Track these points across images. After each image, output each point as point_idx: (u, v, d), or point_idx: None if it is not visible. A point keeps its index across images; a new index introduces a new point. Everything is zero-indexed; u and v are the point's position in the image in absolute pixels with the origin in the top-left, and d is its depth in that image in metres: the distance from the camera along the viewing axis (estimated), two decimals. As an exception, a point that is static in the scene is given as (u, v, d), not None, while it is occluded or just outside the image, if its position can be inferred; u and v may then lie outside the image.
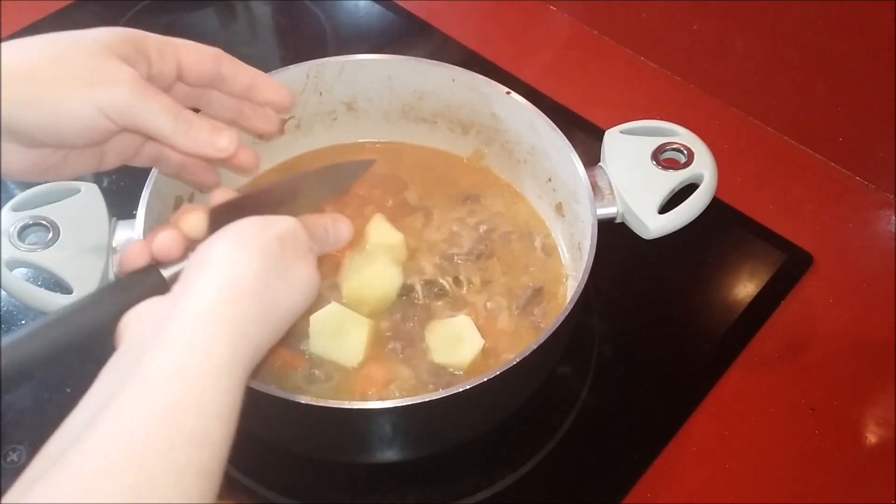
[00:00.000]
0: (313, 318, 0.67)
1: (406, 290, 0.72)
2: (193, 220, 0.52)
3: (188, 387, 0.40)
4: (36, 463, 0.39)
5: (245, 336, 0.44)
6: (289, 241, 0.49)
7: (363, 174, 0.65)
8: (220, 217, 0.51)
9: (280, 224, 0.49)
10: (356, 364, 0.67)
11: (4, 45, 0.49)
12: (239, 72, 0.59)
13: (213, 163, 0.61)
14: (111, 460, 0.37)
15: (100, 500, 0.35)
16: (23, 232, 0.65)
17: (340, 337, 0.67)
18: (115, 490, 0.36)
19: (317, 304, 0.69)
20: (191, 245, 0.51)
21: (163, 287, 0.50)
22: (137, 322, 0.46)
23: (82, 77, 0.49)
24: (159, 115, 0.51)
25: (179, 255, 0.51)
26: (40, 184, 0.68)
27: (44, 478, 0.36)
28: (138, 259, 0.51)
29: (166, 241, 0.51)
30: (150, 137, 0.56)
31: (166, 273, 0.51)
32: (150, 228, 0.63)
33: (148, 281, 0.50)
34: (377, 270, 0.71)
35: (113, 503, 0.35)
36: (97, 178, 0.85)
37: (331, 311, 0.68)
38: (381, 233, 0.75)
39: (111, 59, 0.51)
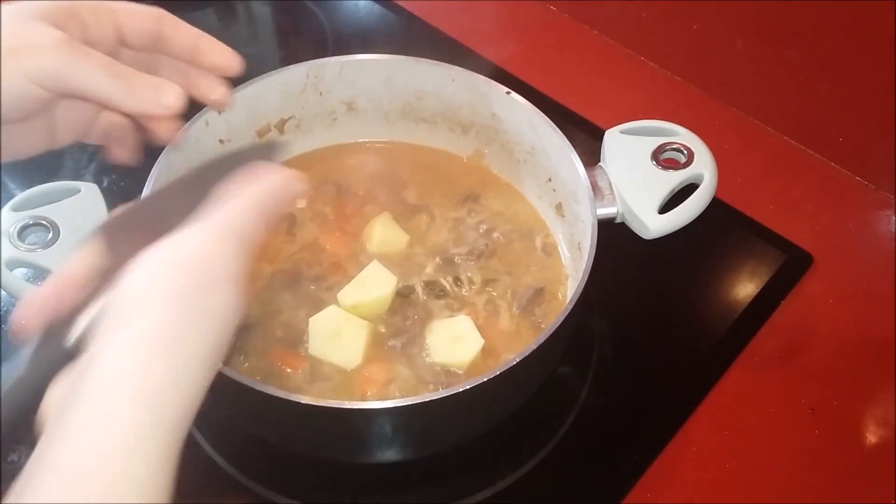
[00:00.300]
0: (312, 320, 0.67)
1: (407, 291, 0.72)
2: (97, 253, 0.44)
3: (93, 482, 0.34)
4: None
5: (164, 403, 0.37)
6: (203, 268, 0.40)
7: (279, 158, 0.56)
8: (119, 233, 0.44)
9: (188, 247, 0.41)
10: (355, 366, 0.67)
11: None
12: (181, 31, 0.55)
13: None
14: None
15: None
16: (23, 232, 0.65)
17: (339, 339, 0.67)
18: None
19: (315, 307, 0.69)
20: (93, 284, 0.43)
21: (74, 352, 0.41)
22: (50, 408, 0.39)
23: (6, 47, 0.47)
24: (94, 74, 0.48)
25: (77, 303, 0.43)
26: (40, 184, 0.68)
27: None
28: (36, 320, 0.43)
29: (58, 290, 0.43)
30: (90, 101, 0.52)
31: (74, 332, 0.42)
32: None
33: (51, 355, 0.41)
34: (370, 275, 0.70)
35: None
36: (97, 178, 0.85)
37: (329, 313, 0.68)
38: (388, 232, 0.75)
39: (38, 25, 0.48)
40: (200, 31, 0.57)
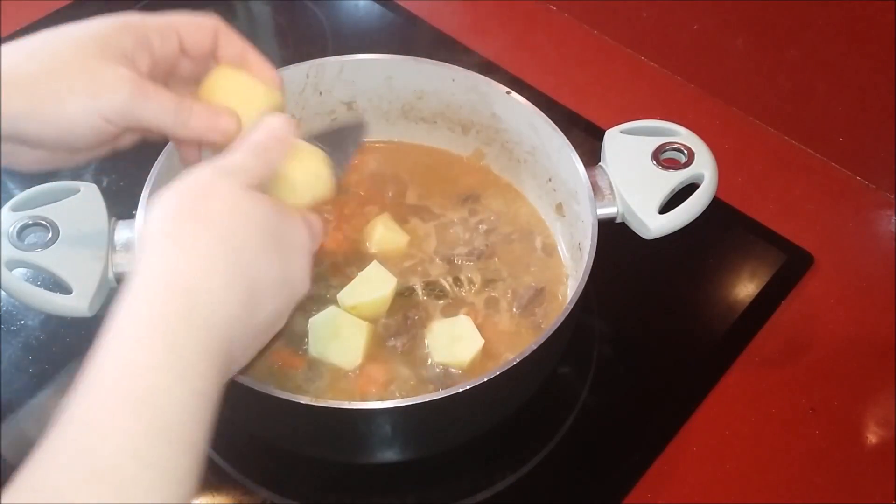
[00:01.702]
0: (311, 321, 0.67)
1: (407, 292, 0.72)
2: None
3: (119, 353, 0.40)
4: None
5: (170, 291, 0.43)
6: (198, 187, 0.48)
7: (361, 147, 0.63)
8: None
9: (187, 177, 0.48)
10: (355, 366, 0.67)
11: (4, 48, 0.50)
12: (231, 41, 0.58)
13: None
14: (62, 438, 0.38)
15: (57, 477, 0.36)
16: (22, 232, 0.65)
17: (339, 340, 0.67)
18: (70, 465, 0.36)
19: (314, 308, 0.69)
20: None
21: None
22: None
23: (81, 86, 0.50)
24: (159, 112, 0.52)
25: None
26: (40, 183, 0.68)
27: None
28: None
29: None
30: (154, 133, 0.56)
31: None
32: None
33: None
34: (370, 276, 0.70)
35: (67, 478, 0.36)
36: (97, 177, 0.85)
37: (329, 314, 0.68)
38: (388, 232, 0.75)
39: (110, 62, 0.51)
40: (248, 44, 0.59)
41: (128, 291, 0.43)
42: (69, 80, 0.50)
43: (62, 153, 0.54)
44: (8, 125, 0.49)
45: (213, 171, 0.49)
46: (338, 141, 0.63)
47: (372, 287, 0.70)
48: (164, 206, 0.47)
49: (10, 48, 0.50)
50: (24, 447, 0.38)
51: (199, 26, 0.57)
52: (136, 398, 0.39)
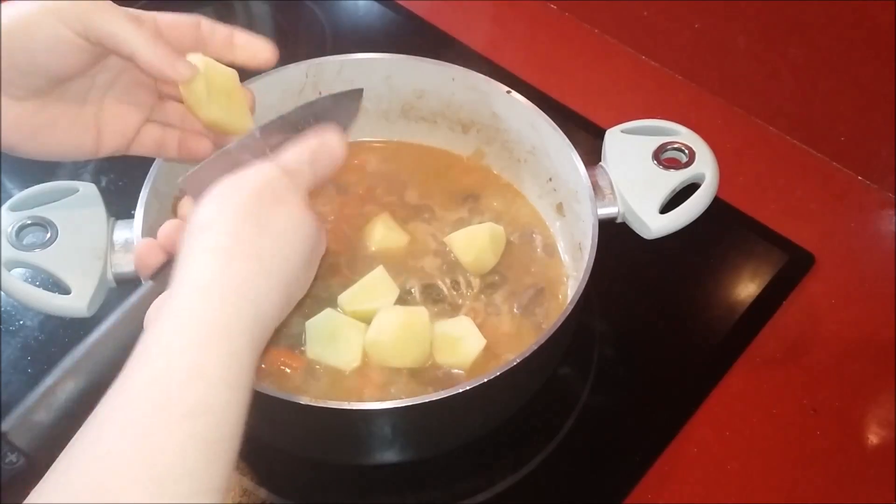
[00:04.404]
0: (309, 323, 0.67)
1: (404, 294, 0.72)
2: (191, 203, 0.52)
3: (183, 358, 0.40)
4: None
5: (242, 299, 0.43)
6: (266, 191, 0.48)
7: (355, 113, 0.64)
8: (202, 183, 0.51)
9: (253, 176, 0.49)
10: (354, 367, 0.67)
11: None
12: (217, 31, 0.59)
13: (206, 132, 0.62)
14: (109, 439, 0.37)
15: (103, 478, 0.36)
16: (21, 232, 0.65)
17: (336, 342, 0.67)
18: (119, 469, 0.36)
19: (315, 308, 0.69)
20: None
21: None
22: (154, 311, 0.47)
23: (51, 4, 0.52)
24: (123, 24, 0.53)
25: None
26: (38, 183, 0.68)
27: (54, 465, 0.37)
28: (152, 259, 0.52)
29: (170, 232, 0.52)
30: (121, 53, 0.55)
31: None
32: (149, 228, 0.63)
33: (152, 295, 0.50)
34: (374, 282, 0.70)
35: (117, 482, 0.36)
36: (95, 177, 0.85)
37: (325, 317, 0.67)
38: (388, 232, 0.75)
39: None
40: (233, 28, 0.60)
41: (181, 287, 0.44)
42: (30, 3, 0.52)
43: (44, 111, 0.55)
44: None
45: (277, 171, 0.49)
46: (335, 110, 0.62)
47: (374, 295, 0.69)
48: (225, 201, 0.47)
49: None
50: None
51: (179, 23, 0.58)
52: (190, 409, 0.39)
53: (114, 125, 0.59)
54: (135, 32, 0.53)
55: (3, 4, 0.52)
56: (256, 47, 0.60)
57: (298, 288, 0.49)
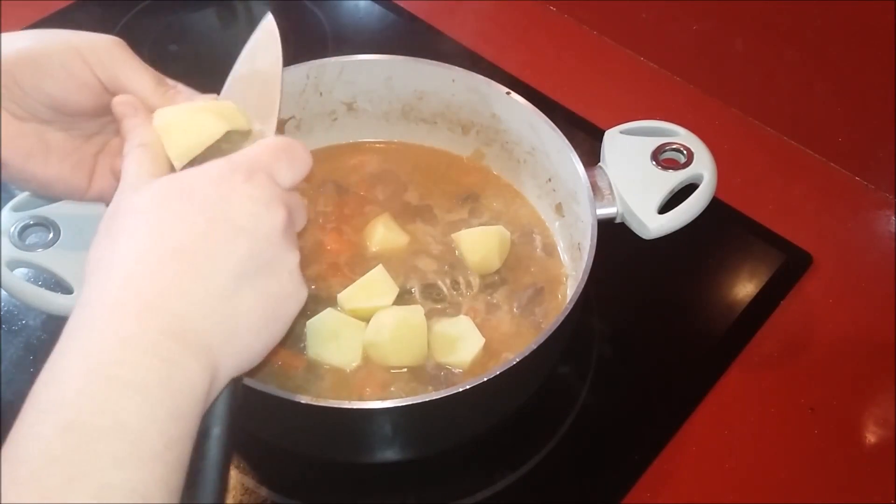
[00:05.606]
0: (309, 323, 0.67)
1: (404, 293, 0.72)
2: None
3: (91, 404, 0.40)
4: None
5: (162, 299, 0.43)
6: (201, 188, 0.46)
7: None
8: None
9: (189, 175, 0.47)
10: (354, 367, 0.67)
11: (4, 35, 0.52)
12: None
13: None
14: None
15: None
16: (23, 232, 0.65)
17: (336, 341, 0.67)
18: None
19: (314, 308, 0.69)
20: None
21: None
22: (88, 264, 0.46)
23: (74, 42, 0.52)
24: (141, 72, 0.54)
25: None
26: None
27: None
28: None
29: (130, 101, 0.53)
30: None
31: None
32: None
33: None
34: (373, 281, 0.70)
35: None
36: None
37: (326, 316, 0.68)
38: (388, 232, 0.75)
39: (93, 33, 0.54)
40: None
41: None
42: (58, 33, 0.53)
43: (42, 136, 0.55)
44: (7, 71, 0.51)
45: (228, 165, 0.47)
46: (253, 94, 0.59)
47: (373, 293, 0.69)
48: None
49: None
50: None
51: (195, 98, 0.57)
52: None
53: (108, 164, 0.58)
54: (155, 95, 0.54)
55: (37, 31, 0.53)
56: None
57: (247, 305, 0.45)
